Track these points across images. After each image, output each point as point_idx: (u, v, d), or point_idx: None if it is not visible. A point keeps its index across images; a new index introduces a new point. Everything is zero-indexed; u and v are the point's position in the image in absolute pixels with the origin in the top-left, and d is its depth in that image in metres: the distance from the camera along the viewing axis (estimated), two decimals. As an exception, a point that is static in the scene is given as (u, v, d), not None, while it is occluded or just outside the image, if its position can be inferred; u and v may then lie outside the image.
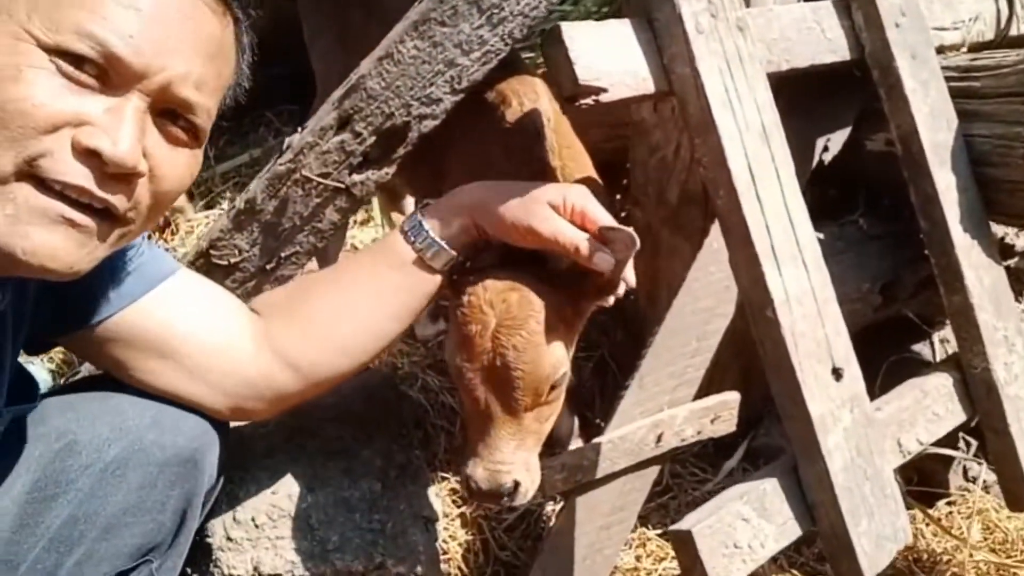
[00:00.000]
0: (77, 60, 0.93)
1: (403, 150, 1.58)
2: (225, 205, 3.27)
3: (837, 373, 1.47)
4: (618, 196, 2.10)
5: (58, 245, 0.95)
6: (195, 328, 1.31)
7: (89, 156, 0.94)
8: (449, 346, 1.38)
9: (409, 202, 2.62)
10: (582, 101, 1.35)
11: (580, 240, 1.31)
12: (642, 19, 1.43)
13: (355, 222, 3.04)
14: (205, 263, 1.62)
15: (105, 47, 0.94)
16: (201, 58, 1.02)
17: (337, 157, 1.56)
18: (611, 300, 1.40)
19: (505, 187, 1.39)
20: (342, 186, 1.58)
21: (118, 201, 0.98)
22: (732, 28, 1.45)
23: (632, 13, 1.48)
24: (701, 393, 1.71)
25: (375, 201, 2.94)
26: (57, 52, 0.93)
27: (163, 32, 0.98)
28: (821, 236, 1.57)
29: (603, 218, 1.33)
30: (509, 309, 1.32)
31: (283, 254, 1.63)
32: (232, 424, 1.41)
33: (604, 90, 1.35)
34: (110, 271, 1.24)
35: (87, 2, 0.94)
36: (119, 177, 0.97)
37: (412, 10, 1.52)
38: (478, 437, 1.34)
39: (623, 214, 2.24)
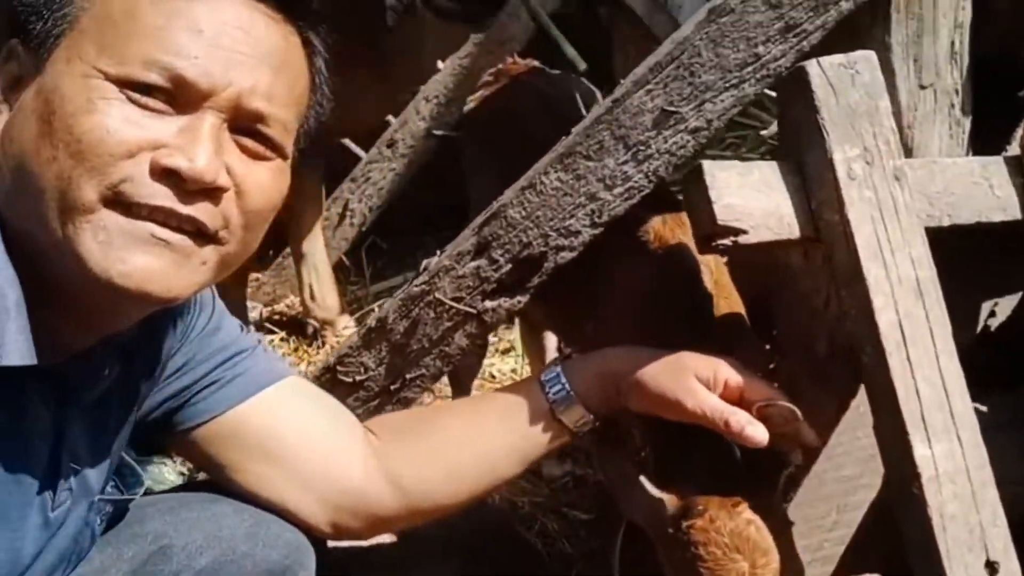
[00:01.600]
0: (145, 88, 0.94)
1: (537, 279, 1.56)
2: (373, 324, 3.32)
3: (992, 567, 1.30)
4: (767, 347, 2.00)
5: (154, 267, 0.95)
6: (305, 432, 1.30)
7: (168, 176, 0.94)
8: None
9: (550, 336, 2.58)
10: (720, 241, 1.30)
11: (729, 414, 1.27)
12: (791, 161, 1.38)
13: (495, 351, 3.03)
14: (331, 378, 1.64)
15: (172, 72, 0.94)
16: (267, 69, 1.01)
17: (472, 282, 1.56)
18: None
19: (653, 355, 1.36)
20: (473, 311, 1.58)
21: (205, 217, 0.97)
22: (888, 177, 1.37)
23: (782, 156, 1.44)
24: (838, 573, 1.57)
25: (517, 331, 2.93)
26: (126, 83, 0.94)
27: (226, 49, 0.98)
28: (983, 408, 1.44)
29: (759, 391, 1.31)
30: (756, 547, 1.29)
31: (408, 375, 1.63)
32: (330, 544, 1.38)
33: (744, 231, 1.30)
34: (220, 369, 1.25)
35: (151, 31, 0.95)
36: (202, 193, 0.96)
37: (559, 143, 1.53)
38: None
39: (771, 365, 2.13)
